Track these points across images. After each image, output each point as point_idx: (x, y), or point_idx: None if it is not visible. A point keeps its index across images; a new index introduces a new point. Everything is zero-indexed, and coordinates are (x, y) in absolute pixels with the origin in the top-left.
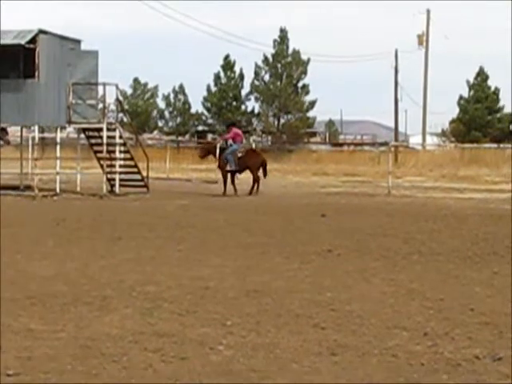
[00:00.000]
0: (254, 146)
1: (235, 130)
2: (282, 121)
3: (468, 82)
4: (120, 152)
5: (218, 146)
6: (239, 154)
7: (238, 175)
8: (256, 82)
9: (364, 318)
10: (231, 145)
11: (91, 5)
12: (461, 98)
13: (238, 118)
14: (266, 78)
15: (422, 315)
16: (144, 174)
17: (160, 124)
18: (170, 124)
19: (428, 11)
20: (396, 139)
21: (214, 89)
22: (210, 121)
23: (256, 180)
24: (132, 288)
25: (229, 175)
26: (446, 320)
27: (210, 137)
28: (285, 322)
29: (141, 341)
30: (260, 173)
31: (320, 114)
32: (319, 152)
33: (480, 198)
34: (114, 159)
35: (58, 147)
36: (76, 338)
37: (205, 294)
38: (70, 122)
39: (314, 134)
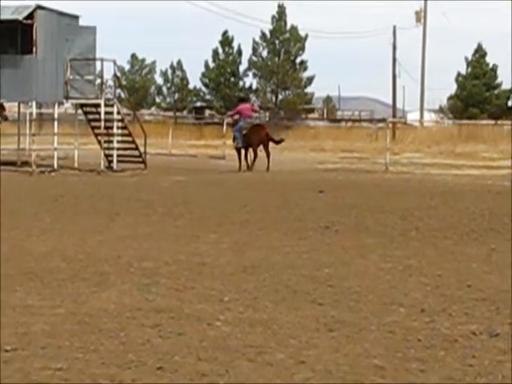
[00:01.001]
0: None
1: (241, 105)
2: (280, 97)
3: (466, 58)
4: (118, 128)
5: (225, 122)
6: (244, 131)
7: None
8: (254, 58)
9: (361, 295)
10: (240, 121)
11: None
12: (459, 74)
13: (236, 94)
14: (264, 54)
15: (419, 291)
16: (142, 149)
17: (158, 100)
18: (168, 100)
19: None
20: (394, 115)
21: (212, 65)
22: (207, 97)
23: (255, 156)
24: (129, 264)
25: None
26: (443, 296)
27: (207, 113)
28: (282, 298)
29: (138, 316)
30: (272, 147)
31: (318, 90)
32: (317, 128)
33: (477, 175)
34: (112, 135)
35: (56, 123)
36: (73, 314)
37: (202, 269)
38: (67, 98)
39: (311, 110)
